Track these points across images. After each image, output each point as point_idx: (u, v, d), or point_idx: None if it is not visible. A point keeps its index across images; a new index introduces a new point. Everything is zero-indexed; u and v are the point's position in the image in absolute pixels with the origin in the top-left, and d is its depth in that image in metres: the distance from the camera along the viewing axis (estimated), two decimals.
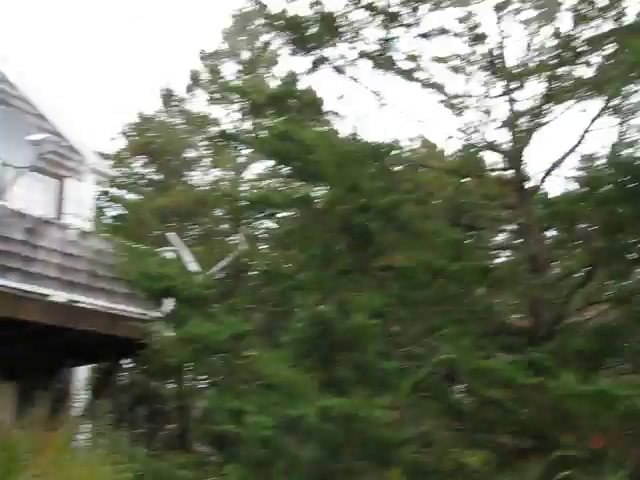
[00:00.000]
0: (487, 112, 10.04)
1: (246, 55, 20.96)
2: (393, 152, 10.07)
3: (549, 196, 9.43)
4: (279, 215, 9.11)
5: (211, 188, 21.18)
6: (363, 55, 10.06)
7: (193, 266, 12.11)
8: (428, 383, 7.29)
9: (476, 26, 9.86)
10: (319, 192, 8.74)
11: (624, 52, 8.79)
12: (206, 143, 21.98)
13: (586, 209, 8.19)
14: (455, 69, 9.98)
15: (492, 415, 7.75)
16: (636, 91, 9.06)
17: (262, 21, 9.98)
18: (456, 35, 9.90)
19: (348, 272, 8.17)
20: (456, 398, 7.99)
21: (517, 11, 9.90)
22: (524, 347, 8.53)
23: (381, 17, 9.80)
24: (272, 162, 10.74)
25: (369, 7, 9.72)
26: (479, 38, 9.88)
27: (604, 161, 8.29)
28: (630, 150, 8.48)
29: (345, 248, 8.13)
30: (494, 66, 9.86)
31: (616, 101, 9.32)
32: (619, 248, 8.25)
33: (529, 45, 9.98)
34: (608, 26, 9.43)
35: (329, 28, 9.70)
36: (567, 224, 8.62)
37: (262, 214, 8.88)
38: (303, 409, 6.52)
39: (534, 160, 10.31)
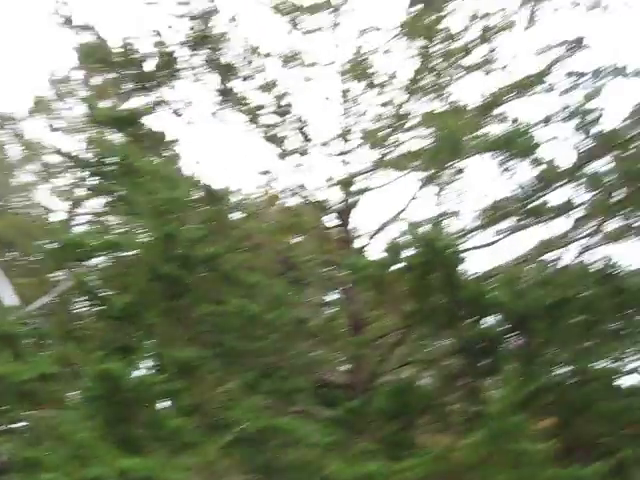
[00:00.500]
0: (323, 171, 10.34)
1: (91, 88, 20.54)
2: (229, 198, 10.17)
3: (372, 257, 9.78)
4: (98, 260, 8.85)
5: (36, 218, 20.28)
6: (204, 99, 10.18)
7: (11, 300, 11.55)
8: (237, 442, 7.23)
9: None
10: (141, 236, 8.61)
11: (443, 130, 9.38)
12: (40, 170, 21.14)
13: (395, 274, 8.56)
14: (293, 128, 10.21)
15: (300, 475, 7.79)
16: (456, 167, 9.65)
17: (103, 56, 9.84)
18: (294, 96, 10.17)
19: (159, 324, 8.05)
20: (266, 457, 7.98)
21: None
22: (343, 403, 8.74)
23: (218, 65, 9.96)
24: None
25: (207, 58, 9.85)
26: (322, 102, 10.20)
27: (409, 232, 8.73)
28: (434, 225, 9.05)
29: (158, 298, 8.01)
30: (330, 129, 10.16)
31: (437, 173, 9.86)
32: (427, 312, 8.66)
33: (365, 111, 10.40)
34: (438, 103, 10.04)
35: (168, 69, 9.73)
36: (377, 288, 8.95)
37: (77, 258, 8.59)
38: (100, 469, 6.27)
39: (365, 220, 10.74)
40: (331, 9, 10.17)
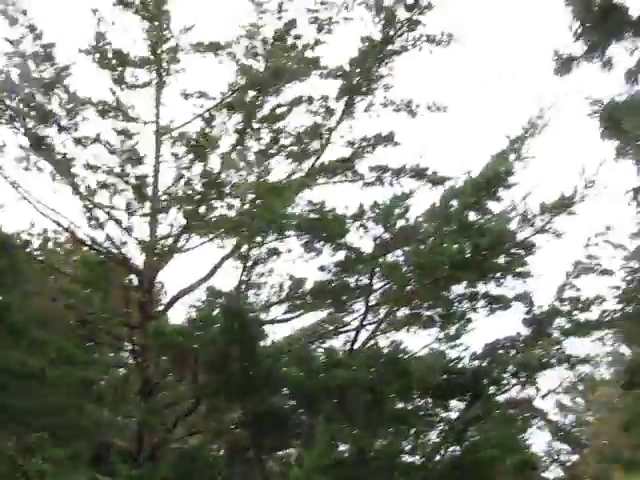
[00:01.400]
0: (129, 229, 10.17)
1: None
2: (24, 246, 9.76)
3: (172, 322, 9.70)
4: None
5: None
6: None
7: None
8: None
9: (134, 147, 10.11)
10: None
11: (263, 207, 9.61)
12: None
13: (195, 344, 8.56)
14: (104, 184, 10.04)
15: None
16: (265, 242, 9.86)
17: None
18: (110, 150, 10.03)
19: None
20: None
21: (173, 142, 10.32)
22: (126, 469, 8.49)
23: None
24: None
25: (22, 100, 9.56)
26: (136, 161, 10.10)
27: (212, 301, 8.80)
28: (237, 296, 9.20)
29: None
30: (141, 188, 10.06)
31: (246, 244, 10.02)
32: (222, 383, 8.70)
33: (180, 175, 10.40)
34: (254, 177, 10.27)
35: None
36: (175, 356, 8.90)
37: None
38: None
39: (170, 283, 10.63)
40: (160, 67, 10.23)
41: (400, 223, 9.95)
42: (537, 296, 9.87)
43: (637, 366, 10.61)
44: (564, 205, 9.64)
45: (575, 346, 9.79)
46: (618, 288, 9.73)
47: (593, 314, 9.70)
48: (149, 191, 10.20)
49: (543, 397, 9.91)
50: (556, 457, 31.30)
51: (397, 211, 9.98)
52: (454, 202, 9.87)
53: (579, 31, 8.37)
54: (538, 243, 9.63)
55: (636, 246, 9.87)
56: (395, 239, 9.90)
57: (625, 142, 8.22)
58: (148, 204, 10.22)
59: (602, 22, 8.14)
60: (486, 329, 10.03)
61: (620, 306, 9.58)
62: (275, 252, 10.28)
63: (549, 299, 9.89)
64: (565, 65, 8.44)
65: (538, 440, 13.81)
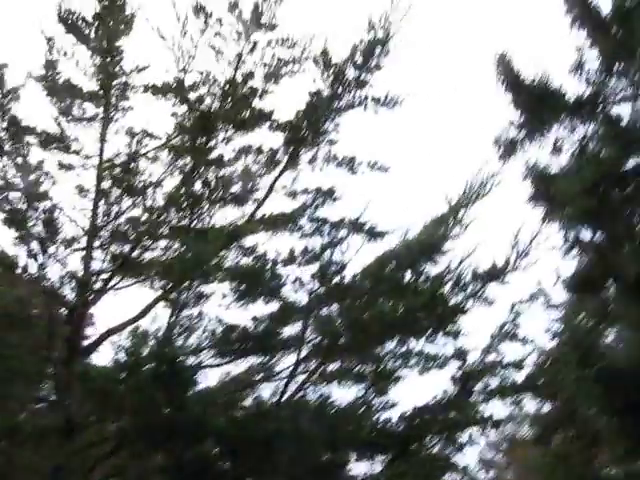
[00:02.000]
0: (63, 263, 9.99)
1: None
2: None
3: (98, 364, 9.52)
4: None
5: None
6: None
7: None
8: None
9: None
10: None
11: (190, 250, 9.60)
12: None
13: (122, 388, 8.45)
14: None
15: None
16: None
17: None
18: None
19: None
20: None
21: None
22: None
23: None
24: None
25: None
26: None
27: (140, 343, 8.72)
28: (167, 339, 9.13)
29: None
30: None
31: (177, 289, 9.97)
32: (146, 427, 8.58)
33: (118, 212, 10.29)
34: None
35: None
36: (101, 397, 8.74)
37: None
38: None
39: (99, 322, 10.41)
40: (108, 103, 10.17)
41: (336, 279, 10.15)
42: (469, 354, 10.17)
43: (548, 422, 11.00)
44: (496, 274, 10.00)
45: (498, 407, 10.12)
46: (541, 351, 10.12)
47: (517, 376, 10.05)
48: (86, 226, 10.06)
49: (464, 454, 10.10)
50: None
51: (333, 268, 10.17)
52: (390, 263, 10.12)
53: (518, 116, 8.82)
54: (469, 307, 9.95)
55: (560, 310, 10.28)
56: (330, 294, 10.06)
57: (552, 207, 8.65)
58: (84, 239, 10.07)
59: (539, 107, 8.58)
60: (418, 385, 10.24)
61: (540, 370, 9.93)
62: (205, 296, 10.30)
63: (476, 359, 10.18)
64: (508, 149, 8.86)
65: None
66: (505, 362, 10.15)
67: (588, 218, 8.46)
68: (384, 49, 10.08)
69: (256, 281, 10.02)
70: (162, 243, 10.35)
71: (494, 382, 10.10)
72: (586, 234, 8.99)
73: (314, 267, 10.20)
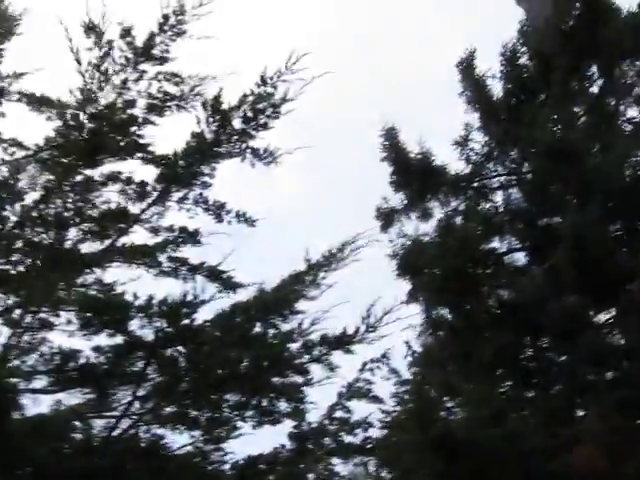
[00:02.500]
0: None
1: None
2: None
3: None
4: None
5: None
6: None
7: None
8: None
9: None
10: None
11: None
12: None
13: None
14: None
15: None
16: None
17: None
18: None
19: None
20: None
21: None
22: None
23: None
24: None
25: None
26: None
27: None
28: None
29: None
30: None
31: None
32: None
33: None
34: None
35: None
36: None
37: None
38: None
39: None
40: None
41: (185, 321, 9.99)
42: (309, 413, 10.15)
43: None
44: (343, 342, 10.10)
45: (339, 466, 10.11)
46: (388, 413, 10.22)
47: (358, 438, 10.07)
48: None
49: None
50: None
51: (184, 310, 10.02)
52: (241, 313, 10.07)
53: (399, 188, 9.19)
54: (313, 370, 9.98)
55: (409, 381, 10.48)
56: (177, 335, 9.88)
57: (416, 282, 8.94)
58: None
59: (421, 181, 8.98)
60: (254, 437, 10.10)
61: (384, 432, 10.02)
62: (48, 324, 9.92)
63: (319, 417, 10.17)
64: (388, 219, 9.16)
65: None
66: (350, 422, 10.18)
67: (448, 296, 8.79)
68: (275, 110, 10.20)
69: (103, 312, 9.73)
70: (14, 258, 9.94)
71: (335, 441, 10.09)
72: (444, 311, 9.33)
73: (165, 306, 10.00)
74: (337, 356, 10.13)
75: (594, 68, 10.09)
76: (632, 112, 9.92)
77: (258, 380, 9.90)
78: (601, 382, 8.00)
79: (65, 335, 9.80)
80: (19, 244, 9.83)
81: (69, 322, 9.79)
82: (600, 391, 7.70)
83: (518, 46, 10.17)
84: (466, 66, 10.04)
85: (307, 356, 10.11)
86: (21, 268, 9.94)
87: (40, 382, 9.62)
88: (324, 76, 9.56)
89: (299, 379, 10.15)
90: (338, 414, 10.32)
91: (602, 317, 8.57)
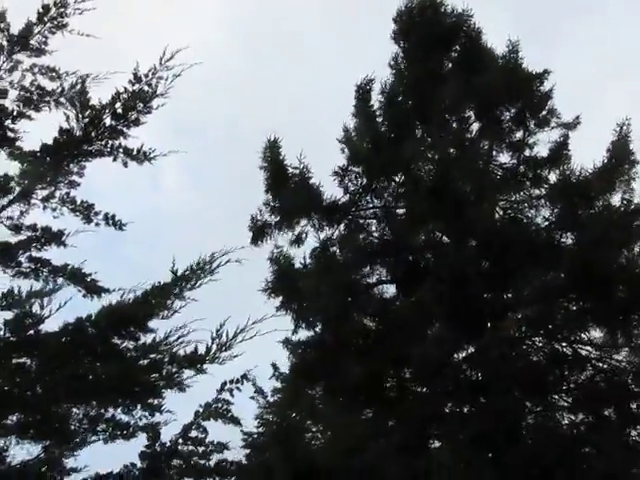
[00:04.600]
0: None
1: None
2: None
3: None
4: None
5: None
6: None
7: None
8: None
9: None
10: None
11: None
12: None
13: None
14: None
15: None
16: None
17: None
18: None
19: None
20: None
21: None
22: None
23: None
24: None
25: None
26: None
27: None
28: None
29: None
30: None
31: None
32: None
33: None
34: None
35: None
36: None
37: None
38: None
39: None
40: None
41: (31, 331, 9.49)
42: (163, 431, 9.82)
43: None
44: (194, 361, 9.81)
45: None
46: (249, 435, 10.05)
47: (213, 459, 9.84)
48: None
49: None
50: None
51: (31, 319, 9.52)
52: (95, 324, 9.66)
53: (274, 202, 9.12)
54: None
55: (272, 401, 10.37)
56: (22, 345, 9.36)
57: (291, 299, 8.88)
58: None
59: (296, 199, 8.96)
60: (106, 454, 9.66)
61: (244, 453, 9.87)
62: None
63: (173, 436, 9.87)
64: (259, 232, 9.05)
65: None
66: (205, 442, 9.94)
67: (320, 316, 8.79)
68: (146, 105, 9.94)
69: None
70: None
71: (189, 463, 9.82)
72: (315, 332, 9.32)
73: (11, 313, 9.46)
74: (189, 375, 9.91)
75: (471, 112, 10.45)
76: (503, 158, 10.32)
77: (107, 395, 9.52)
78: (456, 415, 8.21)
79: None
80: None
81: None
82: (455, 424, 7.89)
83: (396, 83, 10.31)
84: (362, 93, 10.07)
85: (156, 375, 9.80)
86: None
87: None
88: (218, 82, 9.38)
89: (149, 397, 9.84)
90: (193, 434, 10.09)
91: (461, 354, 8.82)
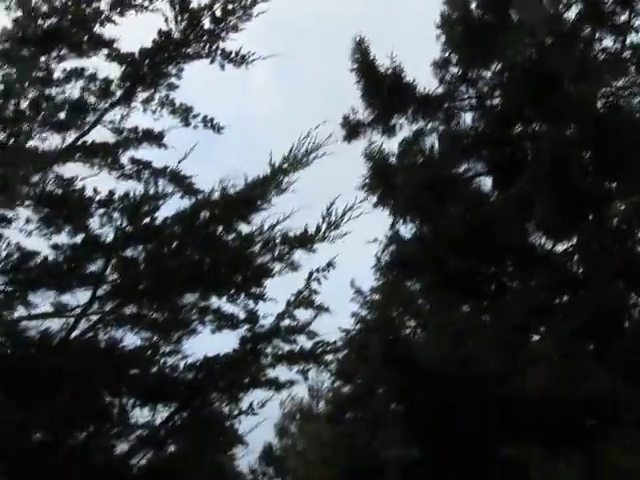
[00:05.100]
0: None
1: None
2: None
3: None
4: None
5: None
6: None
7: None
8: None
9: None
10: None
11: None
12: None
13: None
14: None
15: None
16: None
17: None
18: None
19: None
20: None
21: None
22: None
23: None
24: None
25: None
26: None
27: None
28: None
29: None
30: None
31: None
32: None
33: None
34: None
35: None
36: None
37: None
38: None
39: None
40: None
41: (146, 220, 9.86)
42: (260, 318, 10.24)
43: (339, 401, 11.37)
44: (305, 240, 10.04)
45: (284, 373, 10.30)
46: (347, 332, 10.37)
47: (305, 345, 10.28)
48: None
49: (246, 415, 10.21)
50: (261, 478, 32.60)
51: (146, 207, 9.87)
52: (203, 214, 9.96)
53: (368, 101, 9.03)
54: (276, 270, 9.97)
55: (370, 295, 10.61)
56: (138, 234, 9.75)
57: (385, 194, 8.93)
58: None
59: (390, 96, 8.85)
60: (209, 341, 10.21)
61: (338, 343, 10.18)
62: (6, 220, 9.68)
63: (268, 323, 10.31)
64: (353, 131, 9.03)
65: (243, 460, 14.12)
66: (298, 329, 10.34)
67: (417, 211, 8.79)
68: (246, 12, 9.86)
69: (62, 207, 9.52)
70: None
71: (284, 347, 10.27)
72: (412, 225, 9.37)
73: (125, 205, 9.82)
74: (300, 256, 10.09)
75: None
76: (606, 42, 9.86)
77: (219, 283, 9.89)
78: (556, 308, 8.22)
79: (23, 235, 9.63)
80: None
81: (28, 221, 9.60)
82: (555, 317, 7.93)
83: None
84: None
85: (269, 255, 10.09)
86: None
87: None
88: None
89: (260, 281, 10.16)
90: (286, 322, 10.49)
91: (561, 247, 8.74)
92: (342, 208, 9.75)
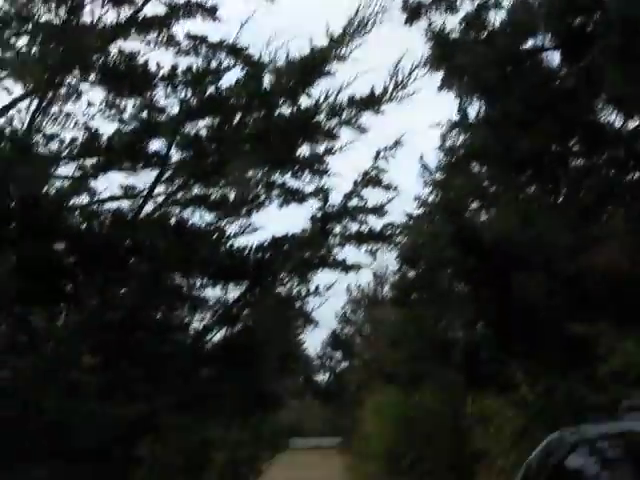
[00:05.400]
0: None
1: None
2: None
3: None
4: None
5: None
6: None
7: None
8: None
9: None
10: None
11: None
12: None
13: None
14: None
15: None
16: None
17: None
18: None
19: None
20: None
21: None
22: None
23: None
24: None
25: None
26: None
27: None
28: None
29: None
30: None
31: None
32: None
33: None
34: None
35: None
36: None
37: None
38: None
39: None
40: None
41: (210, 90, 9.76)
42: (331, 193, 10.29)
43: (405, 284, 11.54)
44: (372, 102, 9.82)
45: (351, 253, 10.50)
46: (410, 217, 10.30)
47: (374, 225, 10.38)
48: None
49: (313, 295, 10.46)
50: (328, 362, 33.94)
51: (209, 78, 9.75)
52: (266, 78, 9.78)
53: None
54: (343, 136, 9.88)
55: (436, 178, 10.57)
56: (202, 106, 9.67)
57: (452, 75, 8.70)
58: None
59: None
60: (277, 219, 10.30)
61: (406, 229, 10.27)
62: (76, 93, 9.65)
63: (338, 202, 10.37)
64: (414, 13, 8.72)
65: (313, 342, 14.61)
66: (366, 208, 10.39)
67: (485, 91, 8.58)
68: None
69: (127, 84, 9.47)
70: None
71: (353, 227, 10.36)
72: (480, 107, 9.18)
73: (189, 74, 9.71)
74: (367, 118, 9.82)
75: None
76: None
77: (284, 156, 9.83)
78: (628, 186, 8.12)
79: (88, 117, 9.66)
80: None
81: (89, 104, 9.59)
82: (625, 195, 7.86)
83: None
84: None
85: (335, 120, 9.88)
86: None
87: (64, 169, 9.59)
88: None
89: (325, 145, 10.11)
90: (354, 202, 10.54)
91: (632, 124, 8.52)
92: (411, 63, 9.45)
